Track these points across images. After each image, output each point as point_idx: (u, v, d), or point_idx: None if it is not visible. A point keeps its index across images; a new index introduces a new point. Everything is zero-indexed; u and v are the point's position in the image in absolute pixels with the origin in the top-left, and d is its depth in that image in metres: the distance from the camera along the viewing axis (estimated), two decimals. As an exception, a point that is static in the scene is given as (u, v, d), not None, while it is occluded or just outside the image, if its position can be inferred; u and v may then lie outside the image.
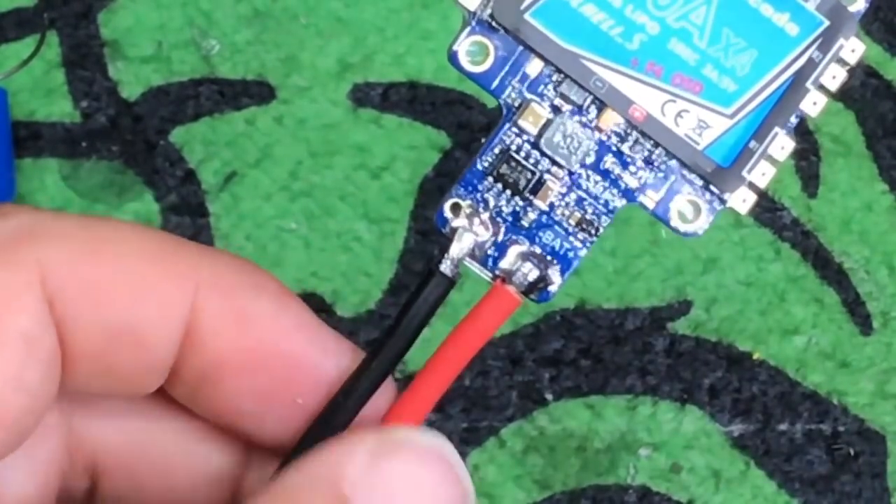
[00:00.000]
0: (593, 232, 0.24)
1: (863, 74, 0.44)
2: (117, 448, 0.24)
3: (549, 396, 0.42)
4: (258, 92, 0.43)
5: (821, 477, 0.42)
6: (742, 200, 0.24)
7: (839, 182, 0.44)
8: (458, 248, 0.23)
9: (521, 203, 0.24)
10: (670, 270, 0.43)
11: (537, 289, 0.24)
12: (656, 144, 0.24)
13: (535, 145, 0.24)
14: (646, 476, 0.42)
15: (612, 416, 0.42)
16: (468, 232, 0.23)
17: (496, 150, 0.24)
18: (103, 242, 0.22)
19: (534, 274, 0.23)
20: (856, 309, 0.43)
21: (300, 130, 0.43)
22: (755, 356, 0.43)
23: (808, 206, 0.44)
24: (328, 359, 0.23)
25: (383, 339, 0.23)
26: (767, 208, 0.43)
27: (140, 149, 0.43)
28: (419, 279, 0.24)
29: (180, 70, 0.43)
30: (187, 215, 0.43)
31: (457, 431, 0.42)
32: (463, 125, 0.43)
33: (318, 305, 0.42)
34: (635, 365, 0.42)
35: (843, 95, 0.44)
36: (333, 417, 0.23)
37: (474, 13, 0.23)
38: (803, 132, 0.44)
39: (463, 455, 0.43)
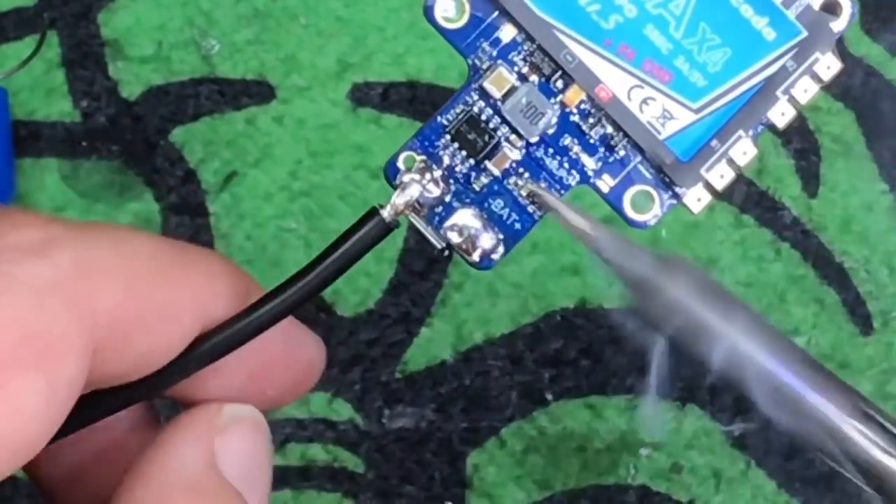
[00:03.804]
0: (543, 206, 0.24)
1: (863, 74, 0.44)
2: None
3: (549, 396, 0.42)
4: (258, 92, 0.43)
5: (821, 477, 0.42)
6: (697, 199, 0.24)
7: (839, 182, 0.44)
8: (401, 197, 0.23)
9: (475, 166, 0.24)
10: (670, 270, 0.43)
11: (480, 254, 0.23)
12: (618, 128, 0.24)
13: (497, 110, 0.24)
14: (646, 476, 0.42)
15: (613, 416, 0.42)
16: (416, 184, 0.23)
17: (457, 109, 0.24)
18: (138, 274, 0.22)
19: (479, 239, 0.23)
20: (856, 309, 0.43)
21: (300, 130, 0.43)
22: (755, 356, 0.43)
23: (809, 205, 0.44)
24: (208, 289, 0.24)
25: (306, 266, 0.23)
26: (768, 208, 0.43)
27: (140, 148, 0.43)
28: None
29: (180, 70, 0.43)
30: (187, 215, 0.43)
31: (457, 431, 0.42)
32: (463, 125, 0.43)
33: (318, 305, 0.42)
34: (635, 365, 0.42)
35: (843, 95, 0.44)
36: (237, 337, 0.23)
37: None
38: (803, 132, 0.44)
39: (463, 455, 0.43)
